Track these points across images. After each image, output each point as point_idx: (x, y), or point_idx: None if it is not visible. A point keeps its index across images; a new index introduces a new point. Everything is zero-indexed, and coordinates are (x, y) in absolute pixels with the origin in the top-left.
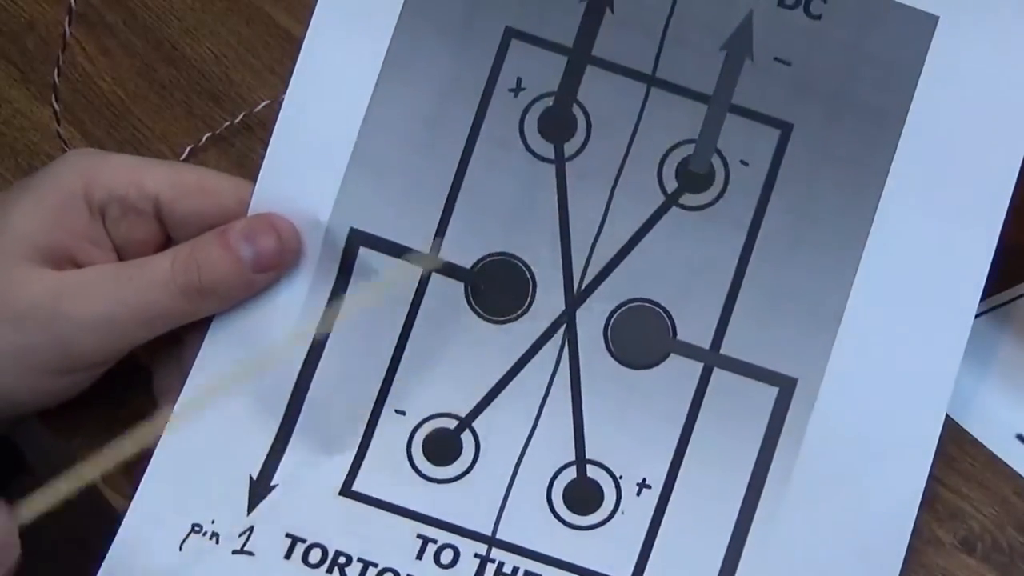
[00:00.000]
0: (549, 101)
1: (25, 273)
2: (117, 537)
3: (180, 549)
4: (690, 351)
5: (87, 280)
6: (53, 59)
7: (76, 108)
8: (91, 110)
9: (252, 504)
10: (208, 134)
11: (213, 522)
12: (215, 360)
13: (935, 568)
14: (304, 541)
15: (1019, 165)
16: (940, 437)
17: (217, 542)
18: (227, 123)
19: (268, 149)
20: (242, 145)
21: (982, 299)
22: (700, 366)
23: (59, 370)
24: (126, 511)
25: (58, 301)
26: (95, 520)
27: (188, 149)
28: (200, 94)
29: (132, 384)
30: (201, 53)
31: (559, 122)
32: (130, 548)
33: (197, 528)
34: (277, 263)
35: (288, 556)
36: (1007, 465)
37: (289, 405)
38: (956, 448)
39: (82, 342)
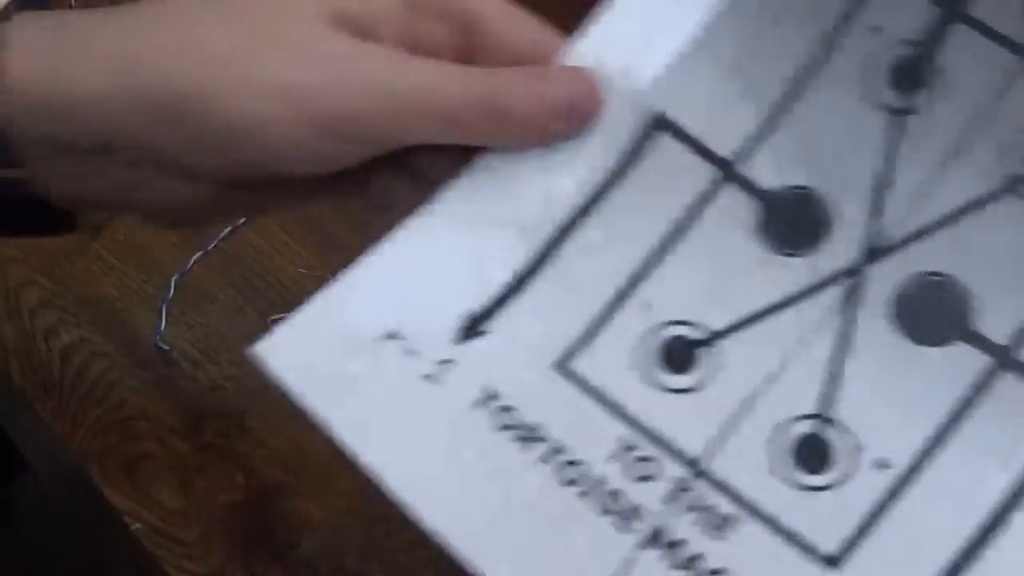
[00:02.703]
0: (907, 50)
1: (323, 28)
2: (323, 294)
3: (369, 347)
4: (982, 343)
5: (387, 53)
6: None
7: None
8: None
9: (460, 339)
10: None
11: (415, 336)
12: (467, 193)
13: None
14: (498, 399)
15: None
16: None
17: (411, 359)
18: None
19: (605, 7)
20: None
21: None
22: (989, 362)
23: (335, 133)
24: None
25: (351, 60)
26: (95, 520)
27: None
28: None
29: (127, 385)
30: None
31: (912, 74)
32: (327, 314)
33: (396, 335)
34: (579, 117)
35: (477, 406)
36: None
37: (536, 257)
38: None
39: (361, 106)
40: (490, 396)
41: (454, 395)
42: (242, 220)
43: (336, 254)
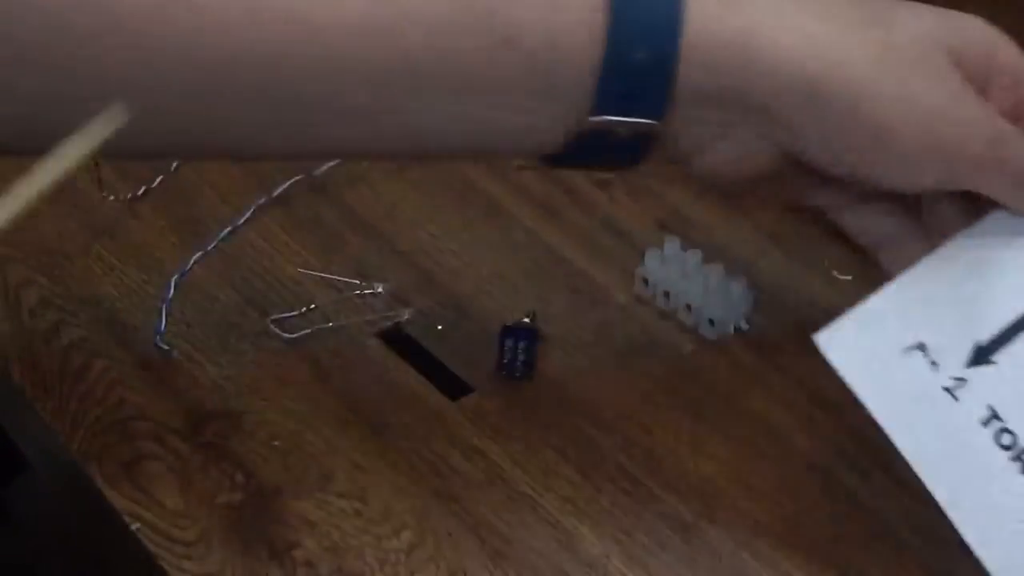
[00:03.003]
0: None
1: (945, 59)
2: (871, 300)
3: (901, 352)
4: None
5: (985, 102)
6: None
7: None
8: None
9: (971, 363)
10: None
11: (937, 352)
12: (984, 238)
13: None
14: (1001, 421)
15: None
16: None
17: (934, 371)
18: None
19: None
20: None
21: None
22: None
23: (938, 160)
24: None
25: (967, 97)
26: (94, 520)
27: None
28: None
29: (128, 384)
30: None
31: None
32: (875, 318)
33: (923, 348)
34: None
35: (985, 424)
36: None
37: None
38: None
39: (968, 145)
40: (994, 416)
41: (967, 409)
42: (242, 220)
43: (336, 254)
